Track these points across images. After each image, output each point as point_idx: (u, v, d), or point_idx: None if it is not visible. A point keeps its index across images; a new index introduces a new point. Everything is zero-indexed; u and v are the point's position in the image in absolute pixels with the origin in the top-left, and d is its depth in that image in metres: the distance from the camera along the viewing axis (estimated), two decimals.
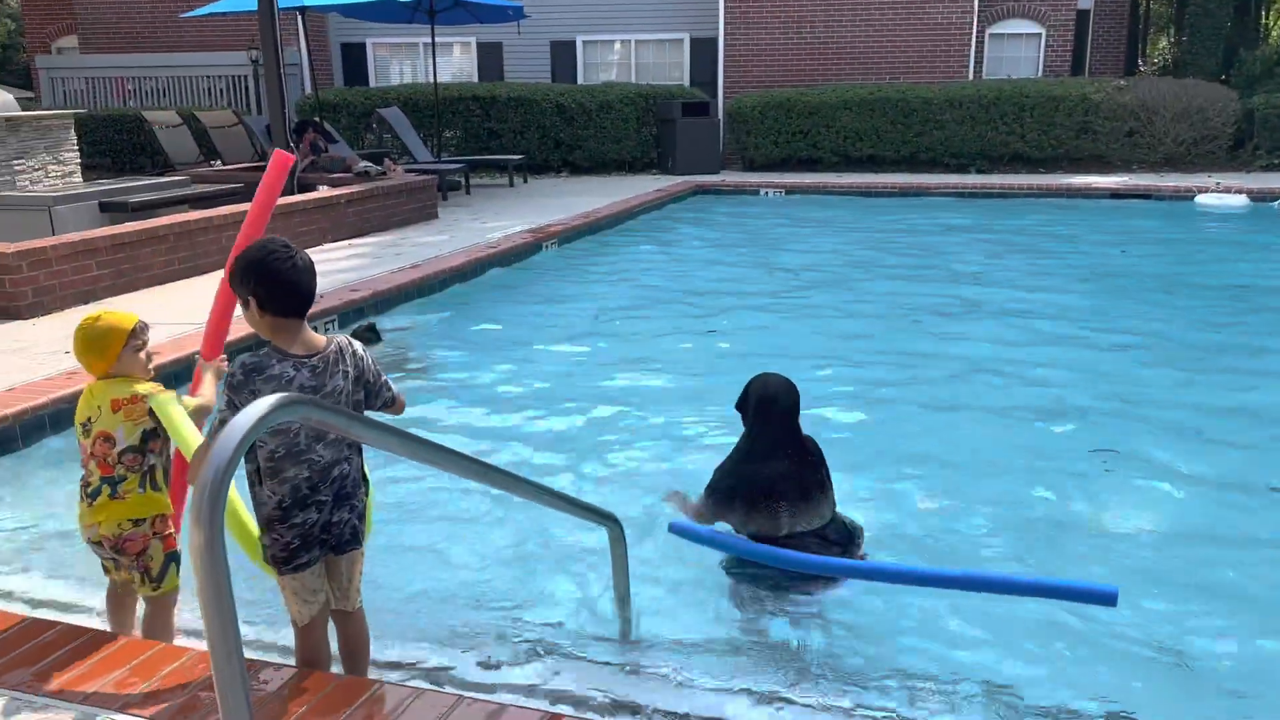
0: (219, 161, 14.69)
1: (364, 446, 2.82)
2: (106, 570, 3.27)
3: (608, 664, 3.35)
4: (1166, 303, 8.51)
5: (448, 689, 3.07)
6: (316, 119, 14.43)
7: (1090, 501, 4.55)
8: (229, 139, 14.77)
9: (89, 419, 3.11)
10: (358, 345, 2.83)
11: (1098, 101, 16.55)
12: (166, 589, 3.21)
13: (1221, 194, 13.64)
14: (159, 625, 3.26)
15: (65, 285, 7.68)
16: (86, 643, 3.04)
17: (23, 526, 4.41)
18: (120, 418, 3.06)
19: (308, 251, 2.81)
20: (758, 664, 3.31)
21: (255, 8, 12.21)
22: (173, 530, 3.21)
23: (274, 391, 2.66)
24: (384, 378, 2.85)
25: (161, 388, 3.14)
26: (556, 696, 3.15)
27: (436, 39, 21.02)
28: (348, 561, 2.86)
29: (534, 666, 3.34)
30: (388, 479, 4.58)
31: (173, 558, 3.20)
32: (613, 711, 3.06)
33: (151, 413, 3.05)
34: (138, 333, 3.20)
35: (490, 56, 21.45)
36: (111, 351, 3.12)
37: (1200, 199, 13.63)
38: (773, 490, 3.65)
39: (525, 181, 16.93)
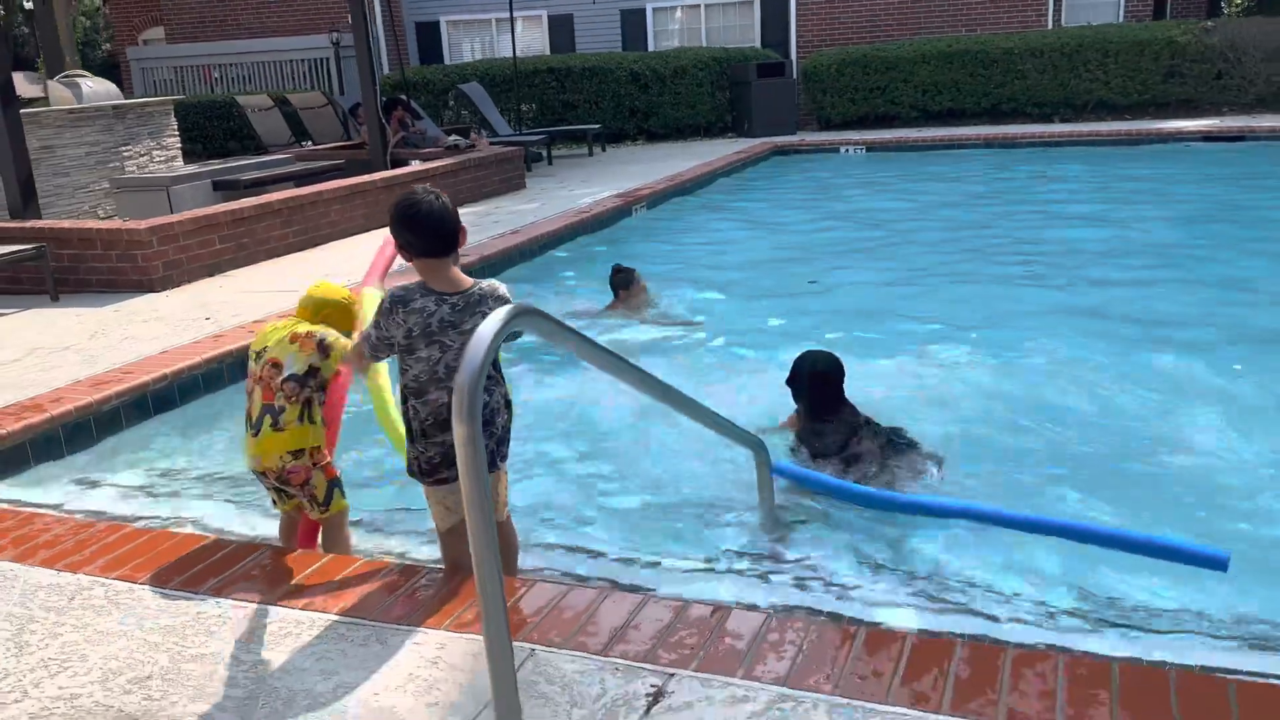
0: (309, 142, 15.11)
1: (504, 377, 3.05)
2: (274, 502, 3.57)
3: (759, 575, 3.56)
4: None
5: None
6: (403, 97, 14.74)
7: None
8: (319, 120, 15.18)
9: (264, 347, 3.41)
10: (504, 291, 3.01)
11: (1184, 44, 16.18)
12: (334, 510, 3.50)
13: None
14: (336, 541, 3.55)
15: (192, 259, 8.07)
16: (293, 561, 3.33)
17: (196, 470, 4.75)
18: (295, 348, 3.34)
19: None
20: (902, 577, 3.49)
21: None
22: (329, 459, 3.49)
23: (416, 322, 2.94)
24: None
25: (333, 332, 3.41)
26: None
27: (507, 14, 21.32)
28: (490, 480, 3.07)
29: (686, 578, 3.57)
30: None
31: (335, 483, 3.48)
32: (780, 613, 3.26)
33: (321, 349, 3.32)
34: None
35: (561, 29, 21.63)
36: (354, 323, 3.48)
37: None
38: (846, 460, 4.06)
39: (604, 150, 17.12)
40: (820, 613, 3.26)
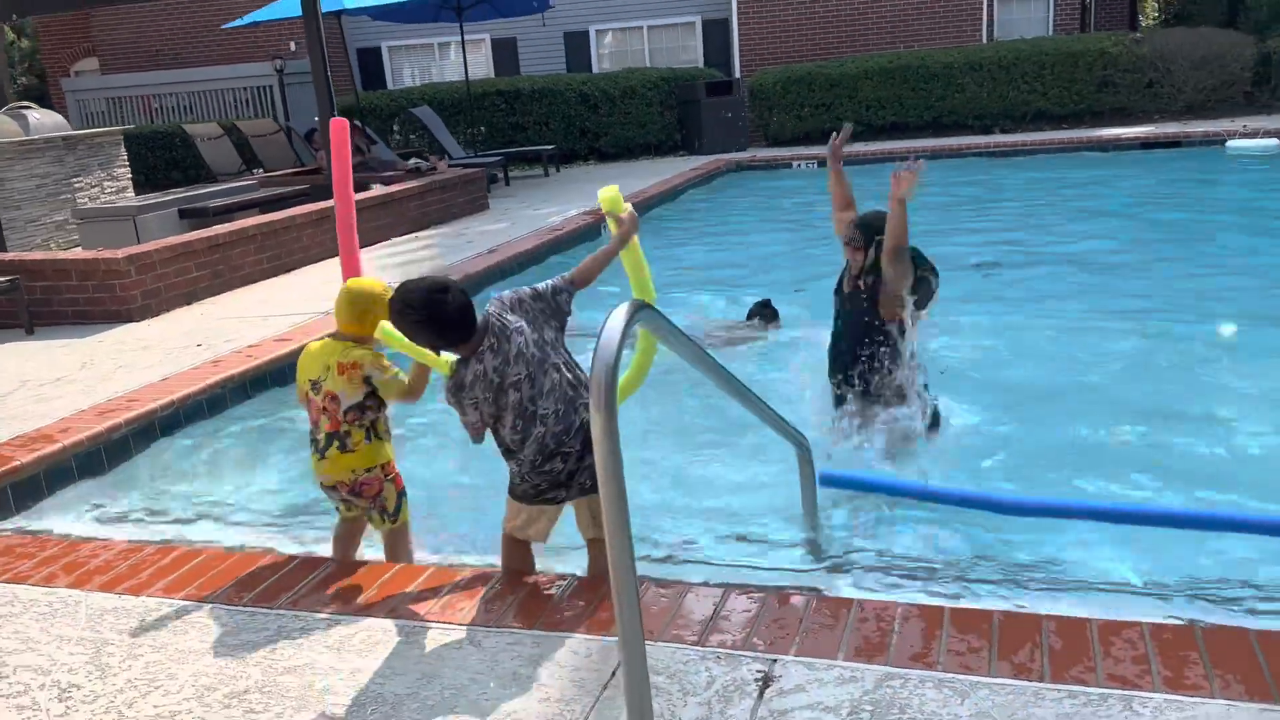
0: (260, 170, 14.96)
1: None
2: (338, 509, 3.58)
3: (814, 568, 3.65)
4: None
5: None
6: (357, 122, 14.67)
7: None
8: (270, 147, 15.04)
9: (319, 378, 3.40)
10: (508, 295, 3.08)
11: (1116, 55, 16.79)
12: (402, 520, 3.52)
13: (1250, 137, 13.89)
14: (401, 551, 3.57)
15: (170, 287, 7.95)
16: (364, 573, 3.33)
17: (217, 493, 4.70)
18: (343, 381, 3.35)
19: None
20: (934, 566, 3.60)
21: (297, 13, 12.51)
22: (398, 472, 3.51)
23: (481, 391, 2.98)
24: (543, 288, 3.10)
25: (374, 357, 3.40)
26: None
27: (451, 38, 21.32)
28: (597, 499, 3.08)
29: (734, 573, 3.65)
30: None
31: (403, 494, 3.51)
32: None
33: (366, 379, 3.33)
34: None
35: (505, 52, 21.70)
36: (373, 325, 3.41)
37: (1231, 143, 13.87)
38: None
39: (558, 170, 17.19)
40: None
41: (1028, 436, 4.73)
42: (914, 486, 3.86)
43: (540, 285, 3.13)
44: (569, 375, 3.02)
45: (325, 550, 3.78)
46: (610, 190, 3.22)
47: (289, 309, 7.59)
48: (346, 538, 3.67)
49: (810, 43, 20.09)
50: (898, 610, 2.84)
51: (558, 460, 3.01)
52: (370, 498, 3.45)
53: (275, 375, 6.16)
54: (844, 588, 3.43)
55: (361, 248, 10.17)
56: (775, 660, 2.63)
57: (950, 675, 2.52)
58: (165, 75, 21.01)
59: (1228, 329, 6.24)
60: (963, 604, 3.21)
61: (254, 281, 8.88)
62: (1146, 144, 14.67)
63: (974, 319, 6.60)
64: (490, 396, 3.00)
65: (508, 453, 3.09)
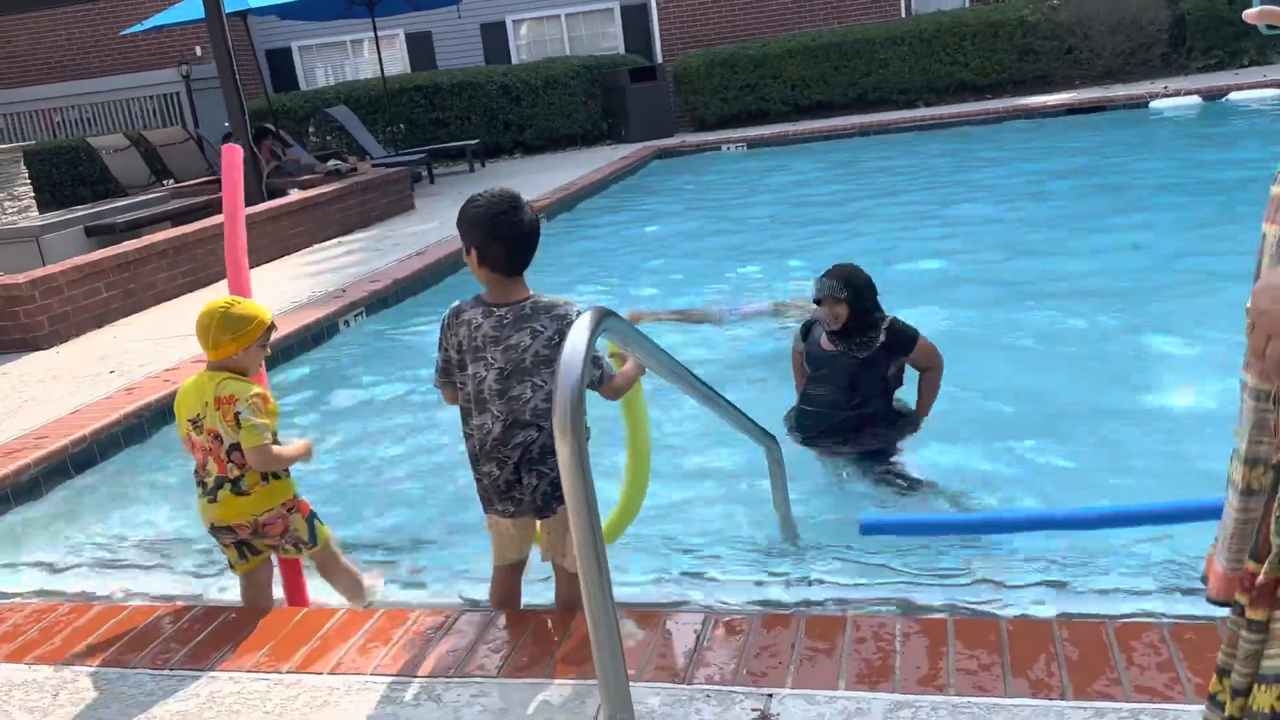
0: (171, 181, 14.33)
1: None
2: (231, 565, 3.23)
3: (797, 579, 3.41)
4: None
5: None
6: (270, 126, 14.11)
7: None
8: (181, 156, 14.41)
9: (199, 415, 3.05)
10: (572, 313, 2.72)
11: (1035, 22, 16.87)
12: (322, 541, 3.22)
13: (1172, 97, 14.02)
14: (338, 570, 3.28)
15: (79, 310, 7.47)
16: (303, 621, 3.01)
17: (139, 534, 4.32)
18: (220, 418, 3.00)
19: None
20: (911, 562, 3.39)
21: (200, 16, 11.95)
22: (300, 499, 3.18)
23: (464, 336, 2.70)
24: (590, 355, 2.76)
25: (260, 399, 3.06)
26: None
27: (363, 35, 20.70)
28: (550, 524, 2.79)
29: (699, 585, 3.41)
30: None
31: (313, 516, 3.21)
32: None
33: (237, 421, 2.98)
34: (270, 330, 3.16)
35: (420, 47, 21.14)
36: (248, 337, 3.06)
37: (1154, 104, 13.99)
38: None
39: (483, 165, 16.78)
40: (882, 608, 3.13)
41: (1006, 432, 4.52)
42: (971, 519, 3.51)
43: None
44: (539, 403, 2.71)
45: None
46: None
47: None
48: (255, 588, 3.27)
49: (730, 24, 19.90)
50: (896, 626, 2.61)
51: (493, 465, 2.73)
52: (277, 535, 3.13)
53: None
54: (829, 604, 3.19)
55: (282, 256, 9.83)
56: (771, 695, 2.39)
57: (964, 699, 2.29)
58: (65, 87, 20.09)
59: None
60: (964, 615, 2.98)
61: (169, 299, 8.41)
62: (1072, 110, 14.74)
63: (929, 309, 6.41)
64: (466, 347, 2.73)
65: (463, 418, 2.80)
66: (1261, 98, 13.57)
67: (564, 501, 2.75)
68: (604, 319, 2.01)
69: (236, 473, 3.03)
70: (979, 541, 3.42)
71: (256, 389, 3.06)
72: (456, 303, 2.83)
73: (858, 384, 4.04)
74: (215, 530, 3.13)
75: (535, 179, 13.89)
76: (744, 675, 2.47)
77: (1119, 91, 15.12)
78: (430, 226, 10.79)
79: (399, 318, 7.69)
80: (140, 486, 4.80)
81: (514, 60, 20.57)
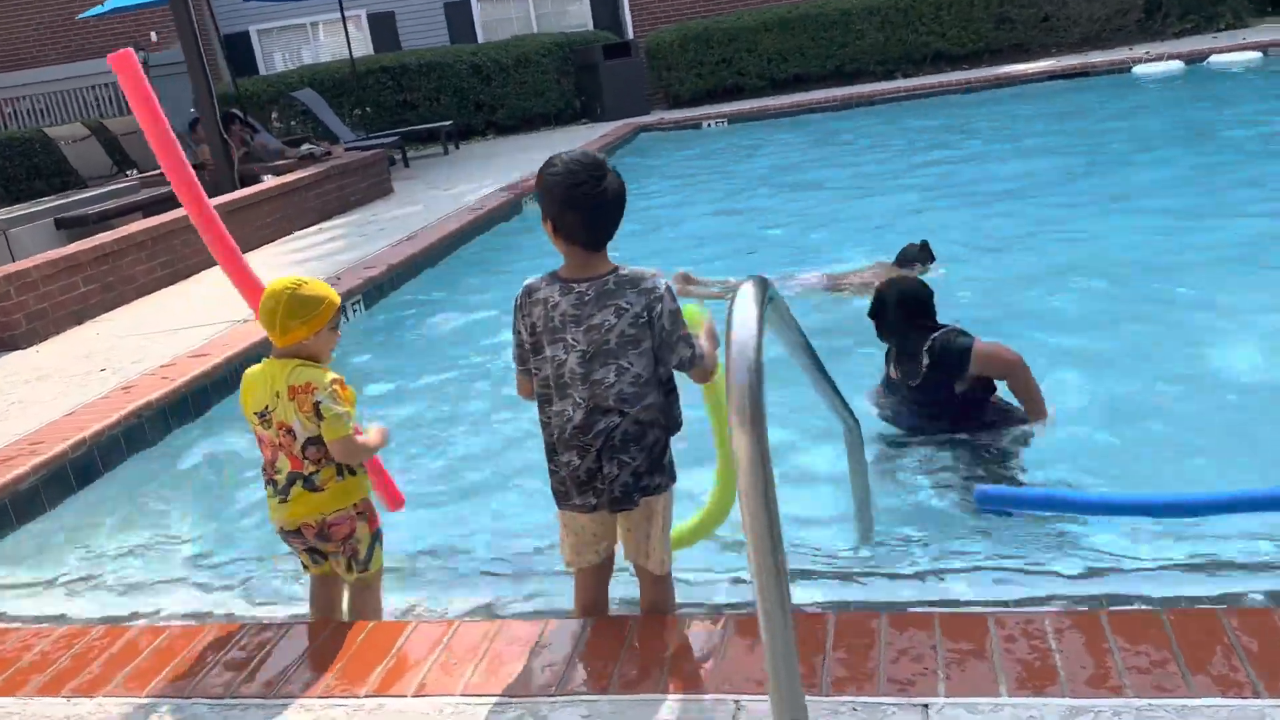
0: (135, 171, 13.82)
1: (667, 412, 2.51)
2: (305, 566, 2.96)
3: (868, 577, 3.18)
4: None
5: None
6: (237, 110, 13.62)
7: None
8: (142, 146, 13.85)
9: (267, 407, 2.78)
10: (660, 286, 2.46)
11: None
12: (374, 568, 2.93)
13: (1155, 62, 13.93)
14: (368, 606, 2.97)
15: (56, 307, 7.07)
16: (370, 636, 2.73)
17: (156, 548, 3.99)
18: (295, 409, 2.73)
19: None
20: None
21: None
22: (373, 509, 2.91)
23: (539, 316, 2.45)
24: (681, 332, 2.45)
25: (339, 385, 2.78)
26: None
27: (324, 17, 20.17)
28: (629, 520, 2.54)
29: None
30: None
31: (378, 537, 2.91)
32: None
33: (318, 412, 2.71)
34: (341, 311, 2.90)
35: (383, 27, 20.62)
36: (319, 320, 2.79)
37: (1137, 69, 13.89)
38: None
39: (456, 148, 16.37)
40: (1006, 602, 2.90)
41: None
42: (1100, 500, 3.22)
43: (675, 322, 2.47)
44: (625, 387, 2.44)
45: (303, 609, 3.17)
46: (689, 310, 2.61)
47: (197, 319, 6.80)
48: (326, 596, 3.03)
49: None
50: (1045, 622, 2.37)
51: (573, 454, 2.46)
52: (340, 540, 2.84)
53: (198, 397, 5.43)
54: (934, 596, 2.96)
55: (260, 245, 9.43)
56: (926, 705, 2.15)
57: (1145, 701, 2.06)
58: (18, 76, 19.37)
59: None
60: (1114, 605, 2.76)
61: (150, 292, 8.02)
62: (1054, 76, 14.62)
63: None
64: (541, 328, 2.47)
65: (540, 406, 2.54)
66: (1243, 60, 13.51)
67: (647, 494, 2.52)
68: (768, 289, 1.74)
69: (312, 468, 2.75)
70: (1079, 521, 3.20)
71: (333, 375, 2.79)
72: (528, 280, 2.56)
73: (920, 411, 3.81)
74: (286, 534, 2.85)
75: (515, 159, 13.54)
76: (888, 684, 2.23)
77: (1099, 58, 15.00)
78: (414, 210, 10.43)
79: (398, 306, 7.36)
80: (152, 493, 4.47)
81: (480, 39, 20.12)
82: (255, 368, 2.86)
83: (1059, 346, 4.84)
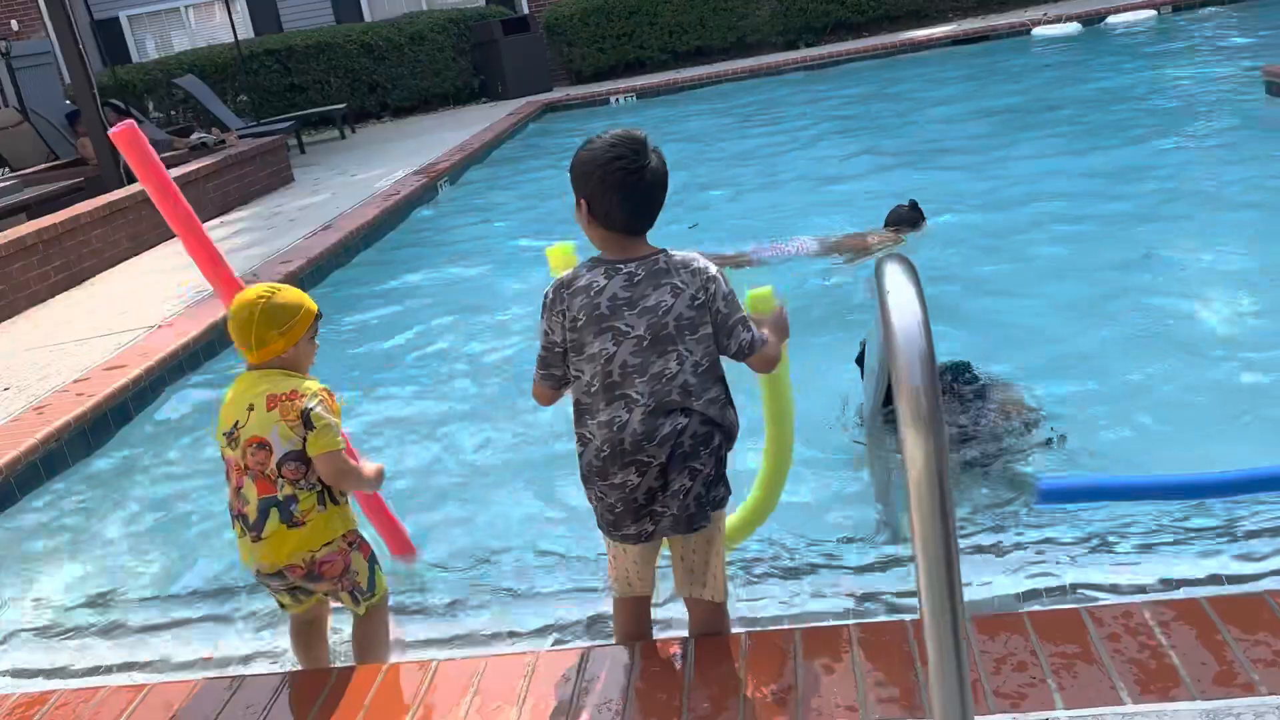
0: (6, 170, 12.84)
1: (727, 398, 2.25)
2: (284, 605, 2.63)
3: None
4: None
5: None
6: (116, 101, 12.76)
7: None
8: (16, 142, 12.87)
9: (236, 423, 2.45)
10: (712, 268, 2.23)
11: None
12: (379, 596, 2.61)
13: (1054, 24, 14.14)
14: (377, 637, 2.67)
15: None
16: (391, 680, 2.41)
17: (100, 594, 3.56)
18: (275, 417, 2.41)
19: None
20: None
21: None
22: (362, 537, 2.59)
23: (581, 306, 2.16)
24: (739, 315, 2.22)
25: (327, 394, 2.50)
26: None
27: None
28: (697, 542, 2.27)
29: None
30: None
31: (374, 560, 2.60)
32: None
33: (307, 421, 2.40)
34: (319, 317, 2.59)
35: (264, 9, 19.62)
36: (295, 331, 2.48)
37: (1036, 30, 14.08)
38: None
39: (353, 131, 15.71)
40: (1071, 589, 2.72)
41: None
42: (1168, 482, 2.95)
43: (732, 303, 2.23)
44: (689, 377, 2.18)
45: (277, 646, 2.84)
46: (763, 291, 2.38)
47: (105, 327, 6.26)
48: (310, 636, 2.71)
49: None
50: (1146, 614, 2.20)
51: (632, 471, 2.16)
52: (334, 578, 2.51)
53: (118, 413, 4.96)
54: (996, 600, 2.76)
55: (158, 243, 8.80)
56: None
57: None
58: None
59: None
60: (1203, 586, 2.60)
61: (44, 300, 7.38)
62: (957, 41, 14.71)
63: None
64: (584, 319, 2.18)
65: (578, 417, 2.24)
66: (1140, 19, 13.80)
67: (716, 508, 2.27)
68: (914, 267, 1.48)
69: (288, 490, 2.40)
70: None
71: (320, 384, 2.48)
72: (557, 277, 2.27)
73: None
74: (263, 576, 2.49)
75: (421, 141, 13.03)
76: (997, 699, 2.03)
77: (1000, 21, 15.15)
78: (323, 198, 9.89)
79: (323, 303, 6.87)
80: (79, 530, 4.01)
81: (367, 18, 19.35)
82: (230, 389, 2.51)
83: (998, 308, 4.79)
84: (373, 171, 10.97)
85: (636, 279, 2.18)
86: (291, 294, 2.52)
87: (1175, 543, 2.82)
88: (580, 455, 2.25)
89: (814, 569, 3.07)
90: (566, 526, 3.35)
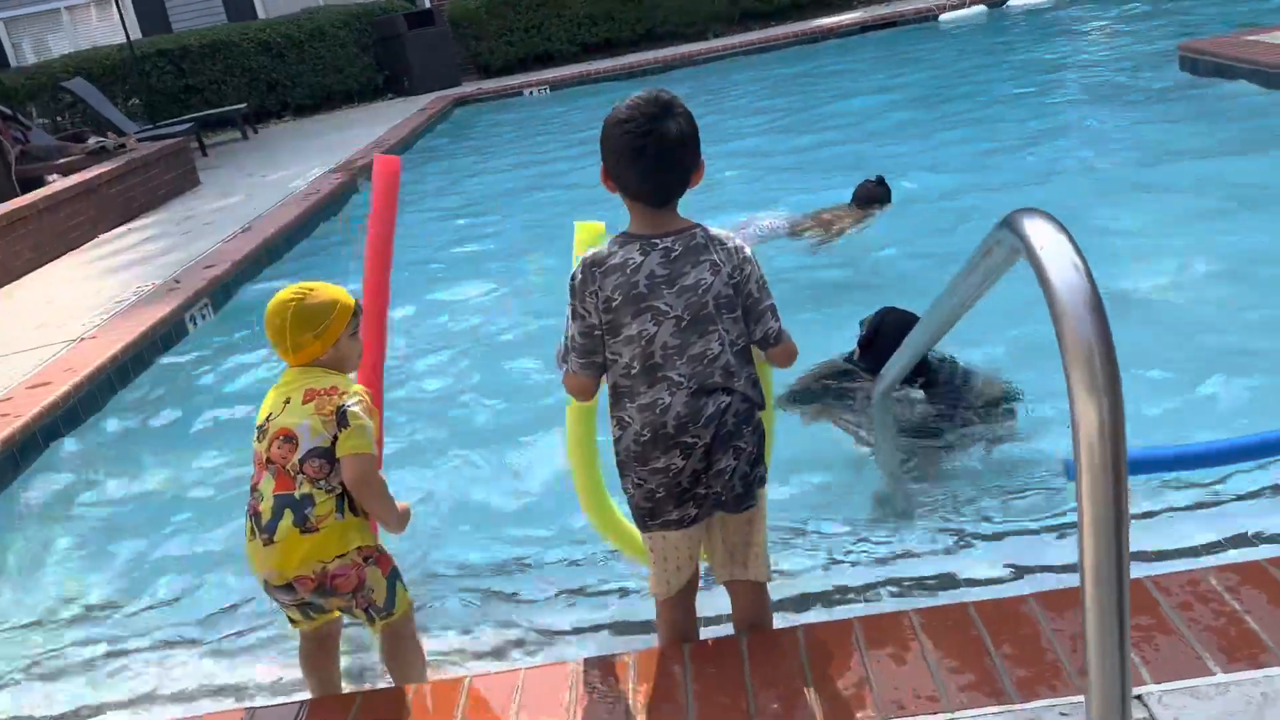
0: None
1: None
2: (294, 621, 2.44)
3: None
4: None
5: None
6: (3, 108, 12.07)
7: None
8: None
9: (269, 415, 2.31)
10: (747, 248, 2.13)
11: None
12: (400, 610, 2.43)
13: (959, 9, 14.39)
14: (406, 652, 2.48)
15: None
16: (424, 699, 2.23)
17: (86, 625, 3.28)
18: (310, 410, 2.26)
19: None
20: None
21: None
22: (382, 549, 2.41)
23: (617, 285, 2.03)
24: (769, 301, 2.13)
25: (369, 397, 2.35)
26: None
27: (77, 0, 18.28)
28: (739, 521, 2.16)
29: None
30: None
31: (395, 575, 2.42)
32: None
33: (342, 418, 2.25)
34: (358, 313, 2.44)
35: (151, 8, 18.85)
36: (332, 332, 2.35)
37: (943, 17, 14.31)
38: None
39: (255, 132, 15.15)
40: None
41: None
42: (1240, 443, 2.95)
43: (762, 287, 2.14)
44: (730, 357, 2.06)
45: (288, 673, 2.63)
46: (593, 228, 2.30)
47: (21, 341, 5.86)
48: (320, 656, 2.52)
49: None
50: (1212, 580, 2.15)
51: (676, 454, 2.05)
52: (349, 593, 2.32)
53: (47, 432, 4.62)
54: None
55: (64, 253, 8.33)
56: (1139, 697, 1.88)
57: None
58: None
59: None
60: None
61: None
62: (866, 28, 14.87)
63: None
64: (620, 299, 2.04)
65: (615, 400, 2.12)
66: (1037, 2, 14.13)
67: (760, 485, 2.15)
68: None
69: (306, 489, 2.22)
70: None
71: (362, 386, 2.34)
72: (587, 253, 2.12)
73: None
74: (273, 589, 2.29)
75: (331, 139, 12.64)
76: (1078, 676, 1.95)
77: (908, 7, 15.37)
78: (236, 200, 9.48)
79: (251, 308, 6.57)
80: (41, 558, 3.70)
81: (261, 15, 18.72)
82: (283, 377, 2.38)
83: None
84: (283, 171, 10.56)
85: (674, 255, 2.06)
86: (325, 292, 2.36)
87: (1210, 505, 2.81)
88: (617, 441, 2.13)
89: (828, 558, 2.98)
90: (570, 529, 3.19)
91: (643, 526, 2.18)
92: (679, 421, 2.03)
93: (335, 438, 2.24)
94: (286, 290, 2.33)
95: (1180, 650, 1.97)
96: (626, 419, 2.09)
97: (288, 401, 2.29)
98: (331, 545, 2.25)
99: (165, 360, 5.68)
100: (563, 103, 13.88)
